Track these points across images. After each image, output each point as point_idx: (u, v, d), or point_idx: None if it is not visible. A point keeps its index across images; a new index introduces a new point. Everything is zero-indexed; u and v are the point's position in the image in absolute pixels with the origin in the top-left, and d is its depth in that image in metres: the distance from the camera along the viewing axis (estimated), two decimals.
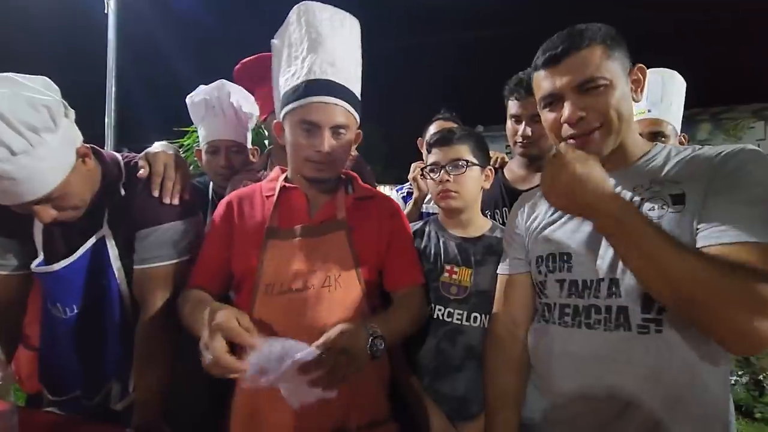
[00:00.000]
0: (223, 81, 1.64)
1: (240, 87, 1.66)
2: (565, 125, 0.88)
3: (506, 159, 1.73)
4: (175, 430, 1.10)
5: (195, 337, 1.10)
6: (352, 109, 1.05)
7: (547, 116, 0.92)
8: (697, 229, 0.76)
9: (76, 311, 1.12)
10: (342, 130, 1.03)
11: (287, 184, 1.12)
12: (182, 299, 1.07)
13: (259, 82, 1.48)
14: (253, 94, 1.52)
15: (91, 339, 1.14)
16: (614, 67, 0.85)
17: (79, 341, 1.15)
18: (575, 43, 0.85)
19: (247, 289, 1.05)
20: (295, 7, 1.07)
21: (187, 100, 1.67)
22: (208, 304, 0.92)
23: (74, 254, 1.07)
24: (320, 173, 1.06)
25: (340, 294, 1.02)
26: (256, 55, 1.44)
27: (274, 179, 1.16)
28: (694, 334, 0.78)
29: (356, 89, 1.08)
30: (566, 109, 0.86)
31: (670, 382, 0.78)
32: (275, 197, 1.10)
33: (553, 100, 0.89)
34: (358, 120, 1.10)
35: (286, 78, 1.06)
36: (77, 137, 1.01)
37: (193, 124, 1.78)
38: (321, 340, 0.86)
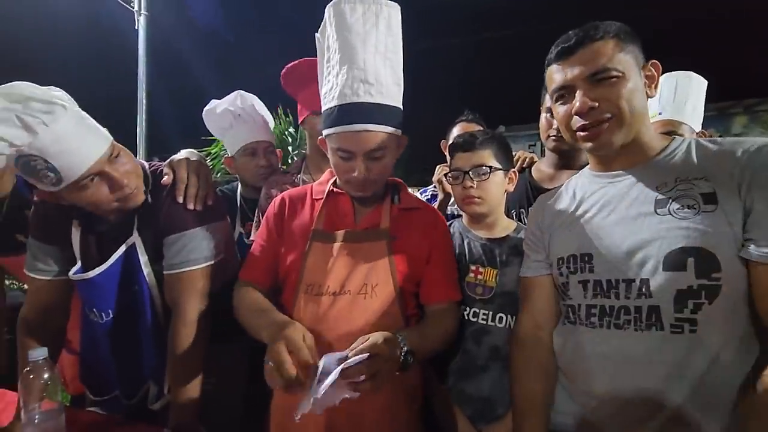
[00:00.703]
0: (241, 91, 1.70)
1: (254, 95, 1.72)
2: (576, 116, 0.87)
3: (535, 159, 1.71)
4: (210, 431, 1.14)
5: (232, 339, 1.15)
6: (389, 129, 1.00)
7: (558, 110, 0.92)
8: (748, 239, 0.74)
9: (111, 316, 1.16)
10: (378, 153, 1.01)
11: (336, 189, 1.14)
12: (238, 297, 1.10)
13: (300, 86, 1.52)
14: (296, 97, 1.56)
15: (126, 342, 1.19)
16: (627, 60, 0.84)
17: (116, 345, 1.20)
18: (588, 35, 0.85)
19: (290, 287, 1.09)
20: (328, 6, 1.01)
21: (206, 113, 1.72)
22: (271, 314, 1.00)
23: (107, 261, 1.12)
24: (359, 193, 1.08)
25: (375, 302, 1.02)
26: (298, 61, 1.48)
27: (324, 182, 1.18)
28: (729, 333, 0.76)
29: (395, 98, 1.03)
30: (577, 99, 0.86)
31: (704, 381, 0.76)
32: (323, 201, 1.12)
33: (565, 93, 0.89)
34: (400, 132, 1.05)
35: (324, 92, 1.04)
36: None
37: None
38: (367, 344, 0.85)
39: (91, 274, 1.11)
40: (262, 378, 0.89)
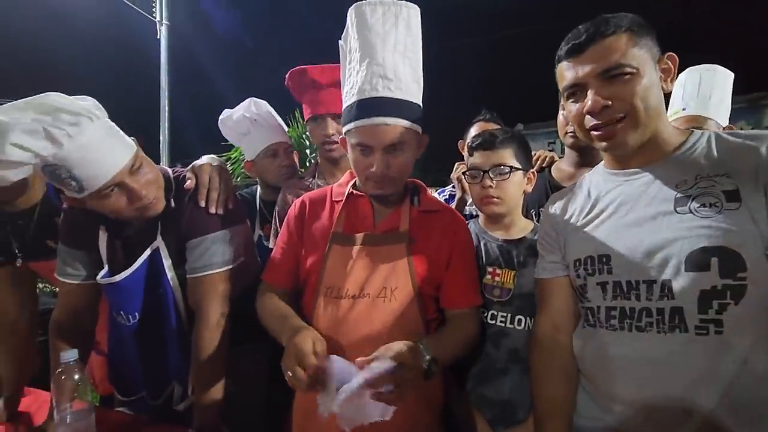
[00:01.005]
0: (254, 98, 1.73)
1: (266, 102, 1.75)
2: (588, 116, 0.85)
3: (555, 158, 1.68)
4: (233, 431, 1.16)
5: (253, 341, 1.16)
6: (407, 123, 1.01)
7: (570, 108, 0.89)
8: None
9: (137, 319, 1.20)
10: (397, 148, 1.01)
11: (355, 191, 1.14)
12: (260, 301, 1.13)
13: (303, 90, 1.56)
14: (301, 101, 1.60)
15: (152, 344, 1.22)
16: (641, 55, 0.81)
17: (142, 347, 1.23)
18: (600, 31, 0.82)
19: (310, 290, 1.10)
20: (350, 9, 1.03)
21: (222, 121, 1.75)
22: (290, 320, 1.02)
23: (132, 266, 1.15)
24: (379, 190, 1.07)
25: (394, 306, 1.02)
26: (302, 67, 1.52)
27: (344, 184, 1.18)
28: (758, 334, 0.73)
29: (414, 95, 1.04)
30: (589, 98, 0.83)
31: (735, 386, 0.73)
32: (343, 203, 1.12)
33: (577, 90, 0.86)
34: (420, 129, 1.06)
35: (345, 91, 1.06)
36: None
37: None
38: (392, 353, 0.85)
39: (118, 278, 1.14)
40: (283, 379, 0.90)
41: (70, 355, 0.96)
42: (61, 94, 0.96)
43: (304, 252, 1.12)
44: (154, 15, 5.67)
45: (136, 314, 1.19)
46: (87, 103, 0.99)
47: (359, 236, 1.08)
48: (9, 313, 1.38)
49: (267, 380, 1.38)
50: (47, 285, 2.63)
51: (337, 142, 1.50)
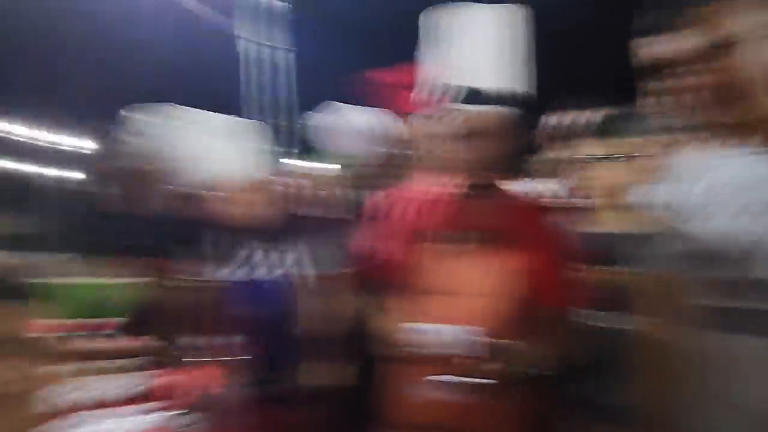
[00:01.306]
0: (342, 105, 1.74)
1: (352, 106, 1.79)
2: (690, 93, 0.75)
3: (662, 146, 1.56)
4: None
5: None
6: (489, 109, 1.02)
7: (668, 85, 0.79)
8: None
9: (254, 314, 1.29)
10: (476, 136, 1.02)
11: (440, 188, 1.14)
12: (345, 294, 1.22)
13: (379, 94, 1.60)
14: (378, 105, 1.63)
15: (266, 339, 1.31)
16: (749, 22, 0.70)
17: (256, 341, 1.31)
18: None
19: (396, 287, 1.12)
20: (427, 14, 1.09)
21: (315, 127, 1.83)
22: (373, 307, 1.10)
23: (250, 265, 1.27)
24: (463, 180, 1.07)
25: (481, 305, 1.01)
26: (376, 71, 1.56)
27: (428, 182, 1.19)
28: None
29: (500, 84, 1.05)
30: (692, 74, 0.73)
31: None
32: (428, 200, 1.14)
33: (677, 66, 0.76)
34: (506, 119, 1.05)
35: (424, 89, 1.11)
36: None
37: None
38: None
39: (236, 276, 1.27)
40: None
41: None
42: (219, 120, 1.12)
43: (390, 250, 1.14)
44: (233, 28, 6.07)
45: (254, 310, 1.30)
46: (232, 125, 1.14)
47: (444, 234, 1.08)
48: None
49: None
50: (170, 282, 2.92)
51: (415, 142, 1.51)
